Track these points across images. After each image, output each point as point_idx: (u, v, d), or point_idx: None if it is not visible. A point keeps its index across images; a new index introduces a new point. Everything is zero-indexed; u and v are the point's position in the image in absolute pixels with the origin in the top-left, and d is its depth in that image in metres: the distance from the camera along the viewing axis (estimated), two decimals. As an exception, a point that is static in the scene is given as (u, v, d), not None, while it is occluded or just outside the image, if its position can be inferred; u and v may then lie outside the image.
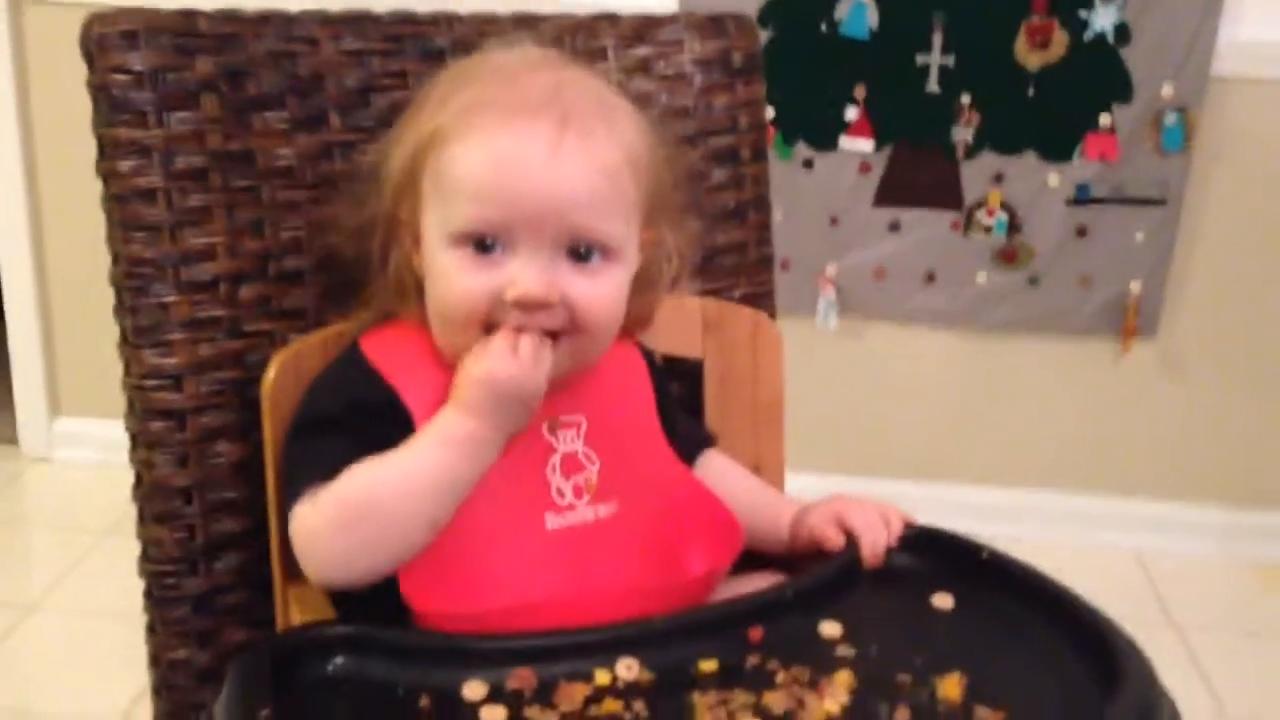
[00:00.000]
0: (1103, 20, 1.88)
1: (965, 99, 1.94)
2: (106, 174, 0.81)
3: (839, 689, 0.71)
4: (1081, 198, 1.96)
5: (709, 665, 0.73)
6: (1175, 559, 2.06)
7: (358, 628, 0.71)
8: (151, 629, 0.84)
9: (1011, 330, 2.05)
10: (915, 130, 1.96)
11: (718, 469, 0.91)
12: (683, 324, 0.96)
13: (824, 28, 1.92)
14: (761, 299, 1.02)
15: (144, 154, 0.80)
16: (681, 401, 0.94)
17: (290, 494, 0.75)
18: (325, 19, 0.87)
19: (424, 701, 0.68)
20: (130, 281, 0.81)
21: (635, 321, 0.84)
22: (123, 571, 1.87)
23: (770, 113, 1.90)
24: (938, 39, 1.91)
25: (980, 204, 1.98)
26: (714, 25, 0.98)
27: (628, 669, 0.72)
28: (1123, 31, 1.88)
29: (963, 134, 1.95)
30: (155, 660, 0.85)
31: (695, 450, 0.90)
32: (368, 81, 0.89)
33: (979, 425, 2.11)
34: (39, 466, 2.21)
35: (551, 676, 0.70)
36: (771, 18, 1.91)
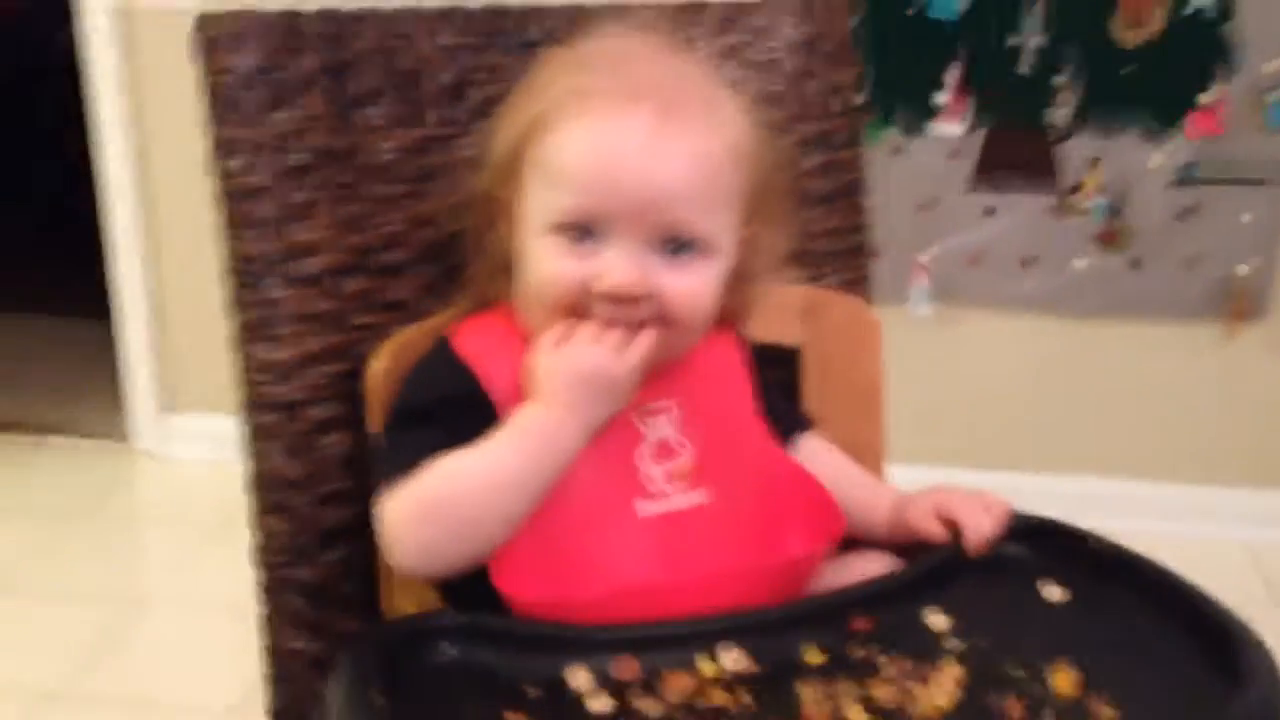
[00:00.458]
0: (1203, -6, 1.83)
1: (1060, 79, 1.89)
2: (217, 172, 0.83)
3: (948, 681, 0.70)
4: (1184, 178, 1.90)
5: (814, 655, 0.72)
6: (1289, 550, 2.00)
7: (467, 617, 0.72)
8: (267, 620, 0.86)
9: (1113, 315, 2.00)
10: (1009, 112, 1.92)
11: (815, 452, 0.89)
12: (779, 312, 0.95)
13: (912, 10, 1.89)
14: (858, 285, 1.01)
15: (252, 152, 0.82)
16: (779, 390, 0.93)
17: (379, 487, 0.76)
18: (421, 14, 0.88)
19: (531, 690, 0.68)
20: (240, 277, 0.83)
21: (731, 315, 0.84)
22: (233, 566, 1.91)
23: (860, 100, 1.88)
24: (1030, 18, 1.87)
25: (1078, 186, 1.94)
26: (804, 9, 0.97)
27: (731, 658, 0.72)
28: (1224, 6, 1.82)
29: (1058, 115, 1.91)
30: (270, 650, 0.86)
31: (793, 431, 0.89)
32: (462, 76, 0.90)
33: (1079, 413, 2.06)
34: (151, 463, 2.28)
35: (654, 666, 0.70)
36: (858, 1, 1.88)
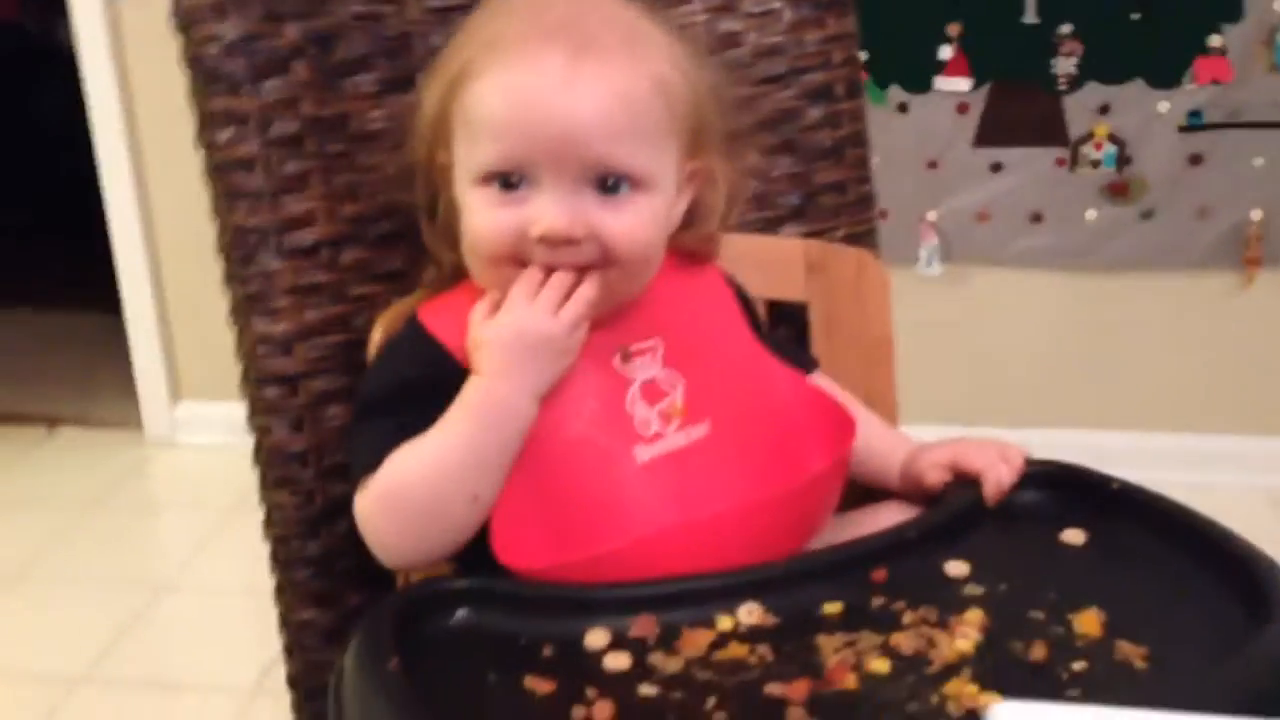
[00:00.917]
0: (1208, -65, 1.80)
1: (1065, 29, 1.87)
2: (206, 145, 0.82)
3: (970, 627, 0.68)
4: (1194, 124, 1.88)
5: (833, 607, 0.71)
6: (1310, 496, 1.98)
7: (478, 581, 0.71)
8: (279, 591, 0.86)
9: (1125, 267, 1.98)
10: (1014, 65, 1.89)
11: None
12: (784, 267, 0.94)
13: (913, -37, 1.87)
14: (864, 238, 1.00)
15: (240, 122, 0.81)
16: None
17: (351, 482, 0.75)
18: (410, -23, 0.87)
19: (547, 651, 0.67)
20: (236, 250, 0.82)
21: (702, 251, 0.82)
22: (248, 549, 1.92)
23: (861, 56, 1.86)
24: (1033, -33, 1.84)
25: (1087, 137, 1.91)
26: (802, -43, 0.96)
27: (749, 613, 0.71)
28: (1232, -53, 1.79)
29: (1064, 66, 1.88)
30: (284, 622, 0.86)
31: (802, 369, 0.88)
32: (454, 39, 0.88)
33: (1095, 367, 2.05)
34: (163, 450, 2.29)
35: (673, 623, 0.69)
36: (858, -44, 1.86)
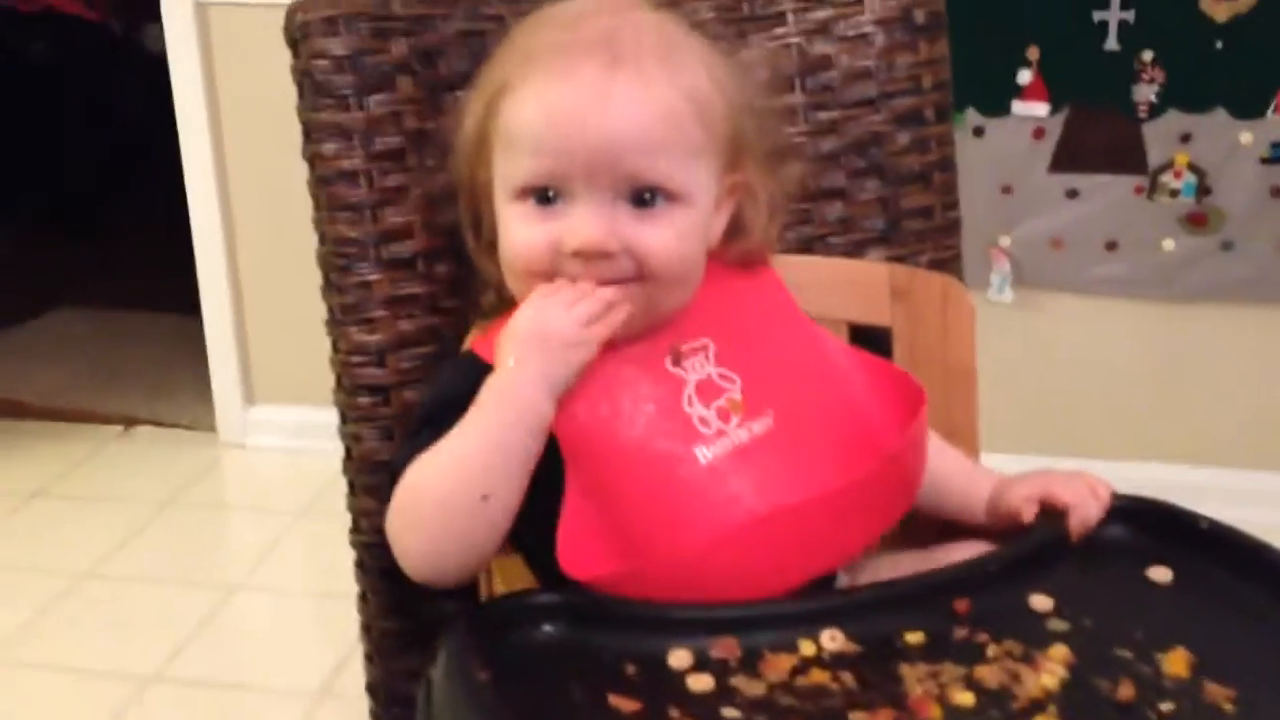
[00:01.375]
0: (1297, -34, 1.77)
1: (1147, 55, 1.84)
2: (312, 157, 0.84)
3: (1055, 663, 0.68)
4: (1277, 156, 1.85)
5: (915, 637, 0.71)
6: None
7: (566, 596, 0.71)
8: (363, 598, 0.87)
9: (1203, 298, 1.95)
10: (1093, 91, 1.87)
11: None
12: (869, 290, 0.94)
13: (994, -13, 1.86)
14: (949, 264, 0.99)
15: (346, 136, 0.83)
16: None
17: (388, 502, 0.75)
18: (509, -4, 0.89)
19: (630, 669, 0.68)
20: (336, 261, 0.84)
21: (750, 263, 0.82)
22: (317, 553, 1.97)
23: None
24: (1117, -7, 1.83)
25: (1166, 166, 1.89)
26: (896, -18, 0.96)
27: (831, 639, 0.71)
28: (1319, -23, 1.77)
29: (1145, 93, 1.86)
30: (367, 629, 0.87)
31: None
32: (550, 58, 0.89)
33: (1169, 400, 2.02)
34: (235, 452, 2.32)
35: (755, 646, 0.70)
36: (939, -20, 1.86)
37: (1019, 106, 1.91)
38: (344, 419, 0.86)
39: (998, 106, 1.91)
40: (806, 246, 0.96)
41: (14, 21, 3.36)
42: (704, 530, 0.72)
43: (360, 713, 0.90)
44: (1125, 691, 0.66)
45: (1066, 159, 1.92)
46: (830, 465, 0.76)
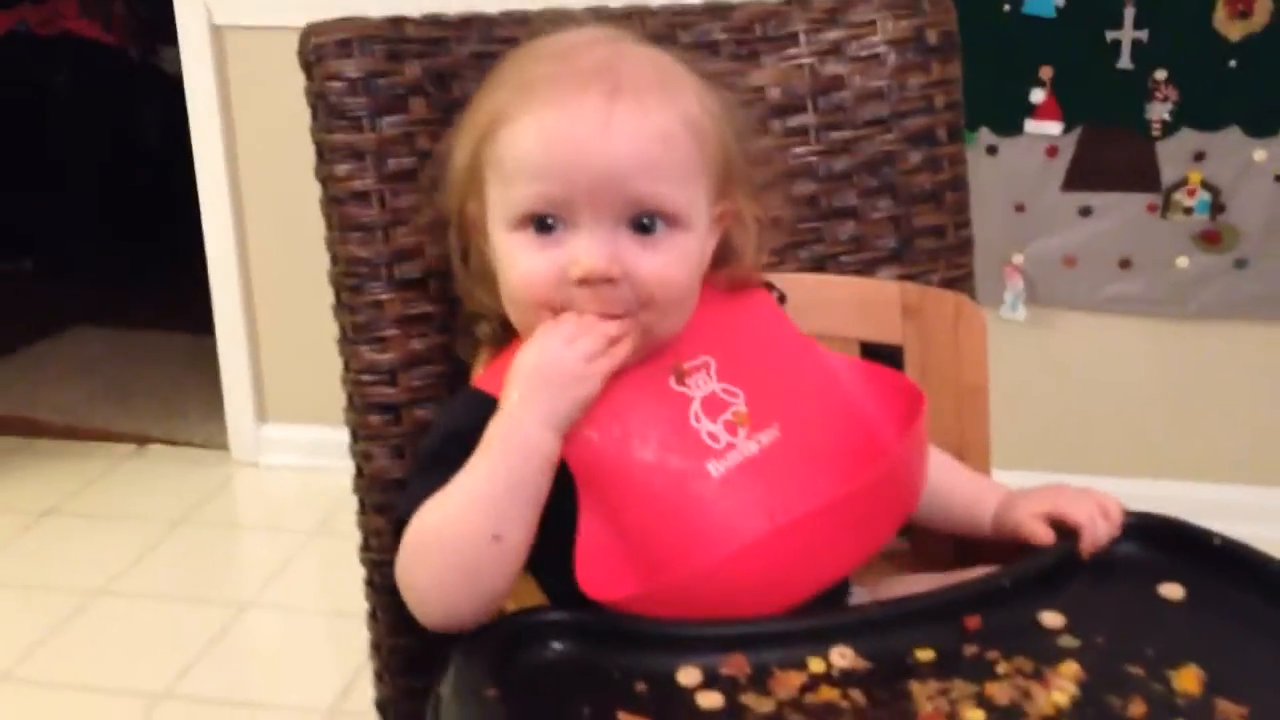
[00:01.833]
0: (1311, -17, 1.77)
1: (1160, 74, 1.85)
2: (325, 178, 0.85)
3: (1066, 680, 0.68)
4: (1290, 174, 1.85)
5: (925, 654, 0.71)
6: None
7: (573, 614, 0.71)
8: (373, 616, 0.87)
9: (1217, 316, 1.94)
10: (1106, 110, 1.88)
11: None
12: (880, 309, 0.94)
13: (1007, 7, 1.86)
14: (961, 283, 0.99)
15: (358, 157, 0.84)
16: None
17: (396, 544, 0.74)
18: (524, 18, 0.89)
19: (640, 686, 0.68)
20: (348, 280, 0.85)
21: (732, 286, 0.82)
22: (328, 571, 1.97)
23: (954, 99, 1.85)
24: (1129, 12, 1.83)
25: (1179, 184, 1.89)
26: (908, 3, 0.96)
27: (841, 656, 0.70)
28: (1334, -5, 1.77)
29: (1158, 111, 1.86)
30: (376, 647, 0.87)
31: None
32: (563, 79, 0.90)
33: (1183, 418, 2.01)
34: (247, 470, 2.33)
35: (764, 663, 0.69)
36: (952, -2, 1.86)
37: (1032, 125, 1.91)
38: (355, 437, 0.86)
39: (1011, 125, 1.91)
40: (819, 265, 0.97)
41: (33, 46, 3.40)
42: (721, 543, 0.72)
43: (369, 731, 0.91)
44: (1136, 709, 0.65)
45: (1080, 177, 1.92)
46: (837, 473, 0.77)
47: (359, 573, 0.89)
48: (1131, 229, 1.92)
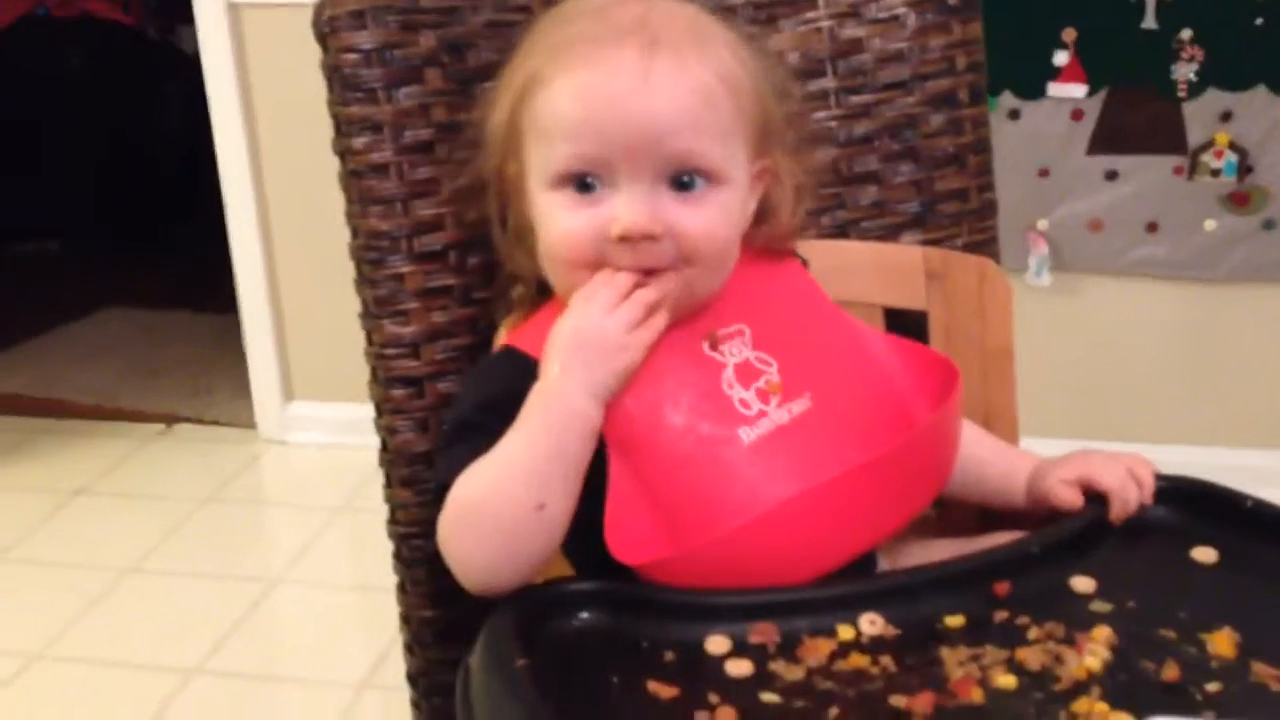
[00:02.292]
0: (1341, -64, 1.74)
1: (1186, 34, 1.82)
2: (342, 151, 0.84)
3: (1099, 645, 0.67)
4: (1319, 132, 1.82)
5: (955, 620, 0.71)
6: None
7: (602, 584, 0.71)
8: (401, 589, 0.87)
9: (1245, 279, 1.92)
10: (1131, 71, 1.85)
11: None
12: (904, 274, 0.93)
13: (1029, -33, 1.84)
14: (985, 246, 0.98)
15: (375, 130, 0.83)
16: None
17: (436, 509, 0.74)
18: (536, -14, 0.88)
19: (669, 655, 0.68)
20: (368, 254, 0.84)
21: (773, 249, 0.82)
22: (357, 546, 1.98)
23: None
24: (1154, -29, 1.80)
25: (1206, 145, 1.86)
26: (928, -37, 0.95)
27: (870, 623, 0.70)
28: (1363, -52, 1.73)
29: (1184, 72, 1.84)
30: (406, 619, 0.88)
31: None
32: (580, 46, 0.89)
33: (1212, 381, 1.99)
34: (274, 448, 2.35)
35: (794, 631, 0.69)
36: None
37: (1056, 88, 1.89)
38: (379, 411, 0.86)
39: (1034, 89, 1.89)
40: (841, 231, 0.96)
41: (52, 27, 3.41)
42: (750, 509, 0.72)
43: (401, 704, 0.91)
44: (1170, 672, 0.65)
45: (1105, 140, 1.89)
46: (868, 445, 0.76)
47: (388, 547, 0.89)
48: (1158, 192, 1.89)
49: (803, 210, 0.83)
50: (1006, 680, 0.65)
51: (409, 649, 0.88)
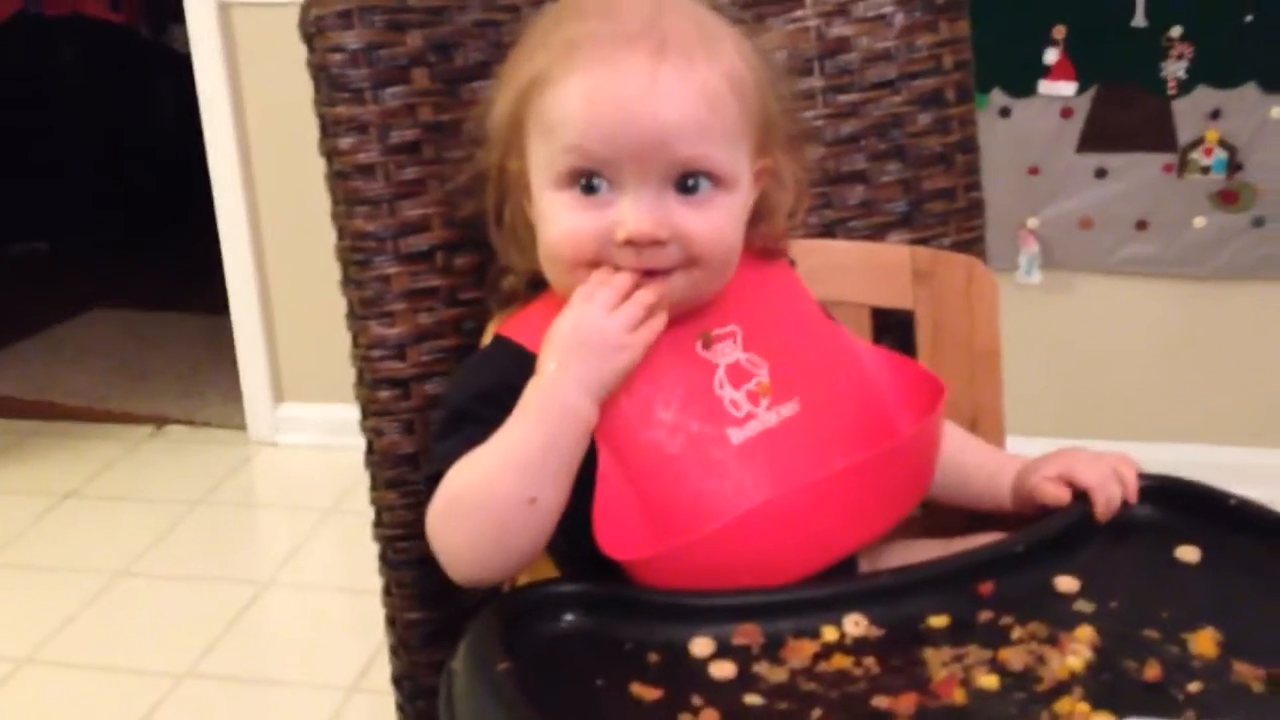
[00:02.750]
0: (1329, -66, 1.74)
1: (1175, 31, 1.82)
2: (329, 152, 0.84)
3: (1081, 645, 0.67)
4: (1309, 130, 1.82)
5: (939, 620, 0.71)
6: None
7: (586, 586, 0.71)
8: (387, 591, 0.87)
9: (1235, 276, 1.92)
10: (1121, 69, 1.86)
11: None
12: (891, 274, 0.93)
13: (1018, -34, 1.84)
14: (972, 245, 0.98)
15: (362, 130, 0.83)
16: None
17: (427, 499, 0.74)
18: (522, -14, 0.88)
19: (653, 657, 0.68)
20: (354, 255, 0.84)
21: (768, 249, 0.82)
22: (347, 548, 1.98)
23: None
24: (1143, -31, 1.81)
25: (1196, 143, 1.87)
26: (915, -39, 0.95)
27: (855, 624, 0.70)
28: (1352, -54, 1.74)
29: (1173, 69, 1.84)
30: (391, 621, 0.87)
31: None
32: (566, 47, 0.89)
33: (1201, 379, 1.99)
34: (265, 450, 2.35)
35: (778, 632, 0.69)
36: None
37: (1045, 86, 1.89)
38: (365, 413, 0.86)
39: (1024, 87, 1.89)
40: (828, 230, 0.96)
41: (44, 26, 3.40)
42: (734, 510, 0.72)
43: (390, 707, 0.91)
44: (1152, 672, 0.65)
45: (1095, 138, 1.90)
46: (852, 452, 0.76)
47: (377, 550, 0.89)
48: (1148, 190, 1.90)
49: (803, 209, 0.84)
50: (989, 681, 0.65)
51: (394, 652, 0.88)
